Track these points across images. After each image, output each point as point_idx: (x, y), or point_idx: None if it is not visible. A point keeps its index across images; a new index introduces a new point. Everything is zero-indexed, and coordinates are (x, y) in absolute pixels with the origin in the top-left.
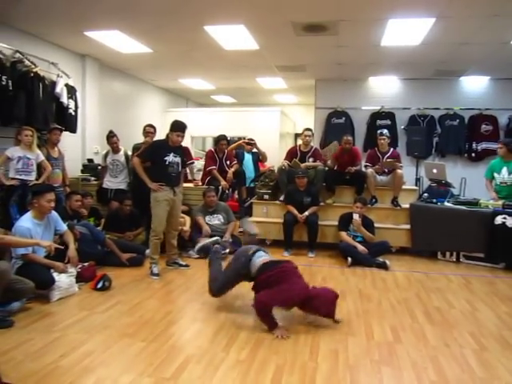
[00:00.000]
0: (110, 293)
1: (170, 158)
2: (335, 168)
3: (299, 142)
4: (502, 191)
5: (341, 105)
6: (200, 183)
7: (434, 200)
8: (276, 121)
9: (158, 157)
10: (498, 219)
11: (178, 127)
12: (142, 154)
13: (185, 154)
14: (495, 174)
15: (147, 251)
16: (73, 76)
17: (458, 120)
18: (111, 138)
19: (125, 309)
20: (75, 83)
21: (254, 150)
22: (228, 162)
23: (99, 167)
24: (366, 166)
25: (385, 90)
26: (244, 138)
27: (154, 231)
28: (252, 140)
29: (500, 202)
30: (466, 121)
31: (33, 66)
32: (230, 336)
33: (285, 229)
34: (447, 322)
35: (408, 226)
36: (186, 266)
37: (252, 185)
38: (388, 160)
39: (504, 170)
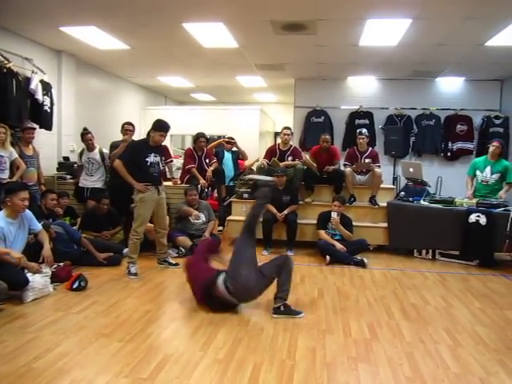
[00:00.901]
0: (86, 293)
1: (151, 158)
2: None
3: (279, 140)
4: (482, 189)
5: (320, 104)
6: (179, 182)
7: (411, 199)
8: (256, 119)
9: (139, 158)
10: (472, 217)
11: (162, 127)
12: (123, 155)
13: (163, 152)
14: (477, 172)
15: (125, 250)
16: (48, 72)
17: (434, 120)
18: (85, 135)
19: (101, 309)
20: (51, 79)
21: (234, 148)
22: (207, 161)
23: (75, 165)
24: (344, 165)
25: (363, 89)
26: (224, 137)
27: (136, 231)
28: (232, 139)
29: (474, 201)
30: (442, 121)
31: (6, 62)
32: (207, 335)
33: (264, 227)
34: (423, 318)
35: (385, 225)
36: (176, 264)
37: (231, 184)
38: (363, 162)
39: (488, 169)
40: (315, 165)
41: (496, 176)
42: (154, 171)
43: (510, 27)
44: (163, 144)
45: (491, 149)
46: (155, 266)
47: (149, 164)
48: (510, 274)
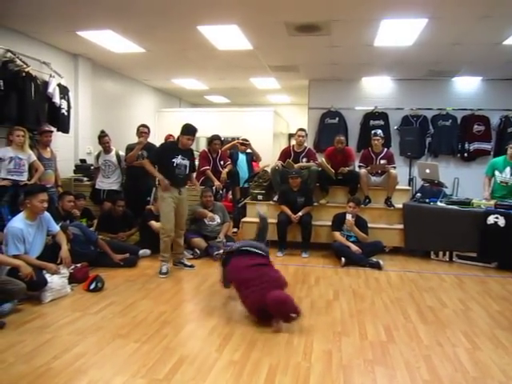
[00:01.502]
0: (103, 294)
1: (178, 160)
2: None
3: (293, 142)
4: (501, 190)
5: (334, 105)
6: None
7: (427, 200)
8: (269, 121)
9: (166, 159)
10: (491, 219)
11: (188, 131)
12: (150, 155)
13: (192, 156)
14: (496, 172)
15: (140, 251)
16: (65, 76)
17: (450, 120)
18: (103, 137)
19: (118, 310)
20: (68, 83)
21: (248, 150)
22: (222, 163)
23: (92, 167)
24: (359, 167)
25: (378, 90)
26: (238, 139)
27: (163, 229)
28: (246, 140)
29: (492, 202)
30: (459, 121)
31: (24, 66)
32: (223, 337)
33: (278, 229)
34: (440, 321)
35: (401, 226)
36: (192, 266)
37: (246, 185)
38: (378, 163)
39: (507, 170)
40: (333, 171)
41: None
42: (180, 173)
43: None
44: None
45: (510, 151)
46: (171, 266)
47: (175, 165)
48: None
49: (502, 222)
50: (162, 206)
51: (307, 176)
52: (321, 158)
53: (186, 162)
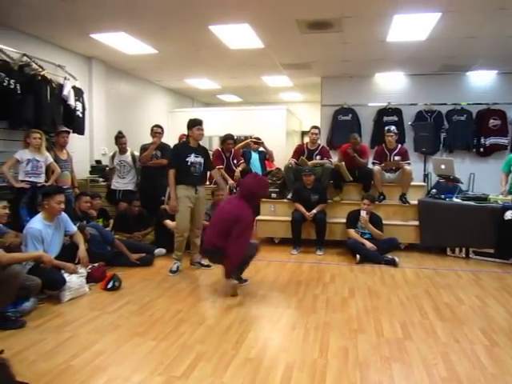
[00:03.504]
0: (120, 293)
1: (192, 158)
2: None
3: (306, 139)
4: None
5: (347, 102)
6: (208, 182)
7: (443, 196)
8: (282, 119)
9: (180, 159)
10: (508, 214)
11: (195, 122)
12: (171, 163)
13: (206, 154)
14: None
15: (156, 250)
16: (79, 78)
17: (465, 115)
18: (120, 138)
19: (135, 308)
20: (82, 85)
21: (261, 148)
22: (235, 161)
23: (107, 168)
24: (373, 163)
25: (391, 86)
26: (251, 137)
27: (177, 228)
28: (259, 139)
29: (509, 197)
30: (474, 116)
31: (40, 69)
32: (239, 334)
33: (293, 227)
34: (457, 317)
35: (416, 223)
36: (208, 266)
37: None
38: (392, 160)
39: None
40: (350, 178)
41: None
42: (195, 171)
43: None
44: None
45: None
46: (187, 265)
47: (189, 164)
48: None
49: None
50: (178, 205)
51: (321, 173)
52: (340, 161)
53: (201, 160)
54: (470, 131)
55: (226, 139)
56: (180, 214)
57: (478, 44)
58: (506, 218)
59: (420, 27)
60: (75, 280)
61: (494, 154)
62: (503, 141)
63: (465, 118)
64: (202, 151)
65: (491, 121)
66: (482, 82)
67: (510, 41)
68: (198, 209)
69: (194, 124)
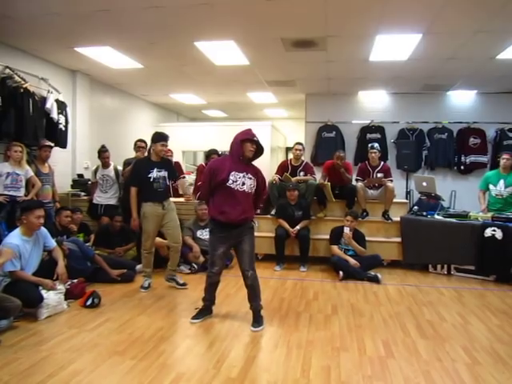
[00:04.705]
0: (100, 310)
1: (154, 173)
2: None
3: (290, 156)
4: (496, 203)
5: (331, 119)
6: (191, 198)
7: (425, 213)
8: (267, 135)
9: (142, 175)
10: (488, 231)
11: (160, 137)
12: (131, 181)
13: (170, 167)
14: (491, 186)
15: (138, 267)
16: (63, 91)
17: (446, 133)
18: (103, 152)
19: (114, 326)
20: (66, 99)
21: None
22: None
23: (89, 182)
24: (356, 180)
25: (374, 104)
26: None
27: (144, 245)
28: None
29: (489, 215)
30: (455, 134)
31: (23, 82)
32: (220, 353)
33: (276, 243)
34: (439, 335)
35: (399, 239)
36: (184, 285)
37: None
38: (375, 177)
39: (501, 183)
40: (333, 199)
41: (510, 189)
42: (159, 186)
43: None
44: (175, 160)
45: (502, 162)
46: (167, 284)
47: (152, 180)
48: None
49: (499, 234)
50: (143, 223)
51: (305, 190)
52: (324, 177)
53: (164, 174)
54: (451, 149)
55: (211, 154)
56: (145, 232)
57: (458, 65)
58: (486, 236)
59: (402, 48)
60: (53, 297)
61: (475, 172)
62: (483, 159)
63: (446, 136)
64: (164, 164)
65: (471, 139)
66: (462, 101)
67: (490, 62)
68: (172, 222)
69: (159, 139)
